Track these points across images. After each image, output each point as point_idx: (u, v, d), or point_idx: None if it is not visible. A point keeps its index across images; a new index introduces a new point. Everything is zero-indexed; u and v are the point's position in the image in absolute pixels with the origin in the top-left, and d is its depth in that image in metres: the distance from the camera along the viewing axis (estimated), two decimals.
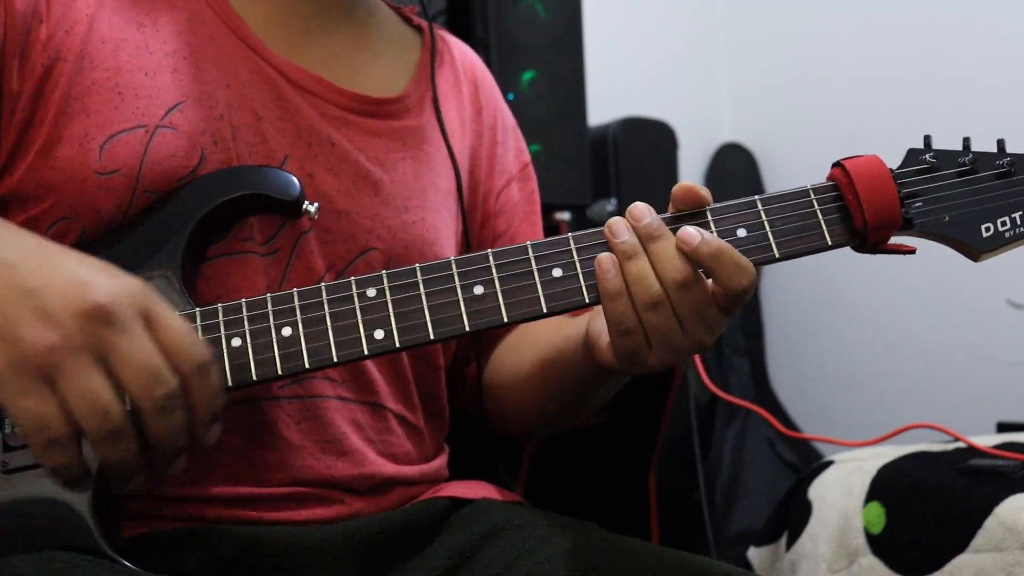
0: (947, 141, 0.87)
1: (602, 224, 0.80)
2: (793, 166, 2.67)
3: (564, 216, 1.91)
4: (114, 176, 0.85)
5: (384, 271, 0.81)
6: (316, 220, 0.90)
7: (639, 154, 2.20)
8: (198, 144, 0.88)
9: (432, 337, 0.79)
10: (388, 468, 0.95)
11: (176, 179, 0.87)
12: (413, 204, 0.99)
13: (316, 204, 0.88)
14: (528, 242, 0.81)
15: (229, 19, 0.93)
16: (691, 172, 2.70)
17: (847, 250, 0.85)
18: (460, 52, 1.14)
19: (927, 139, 0.86)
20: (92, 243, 0.85)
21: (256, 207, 0.88)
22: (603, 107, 2.21)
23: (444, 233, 1.02)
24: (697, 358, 1.19)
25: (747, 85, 2.84)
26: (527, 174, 1.15)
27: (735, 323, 2.56)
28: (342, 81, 0.97)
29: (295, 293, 0.80)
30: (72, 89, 0.85)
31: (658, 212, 0.80)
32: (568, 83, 1.91)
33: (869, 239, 0.81)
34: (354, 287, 0.80)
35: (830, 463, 1.49)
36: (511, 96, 1.79)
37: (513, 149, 1.14)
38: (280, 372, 0.79)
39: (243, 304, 0.80)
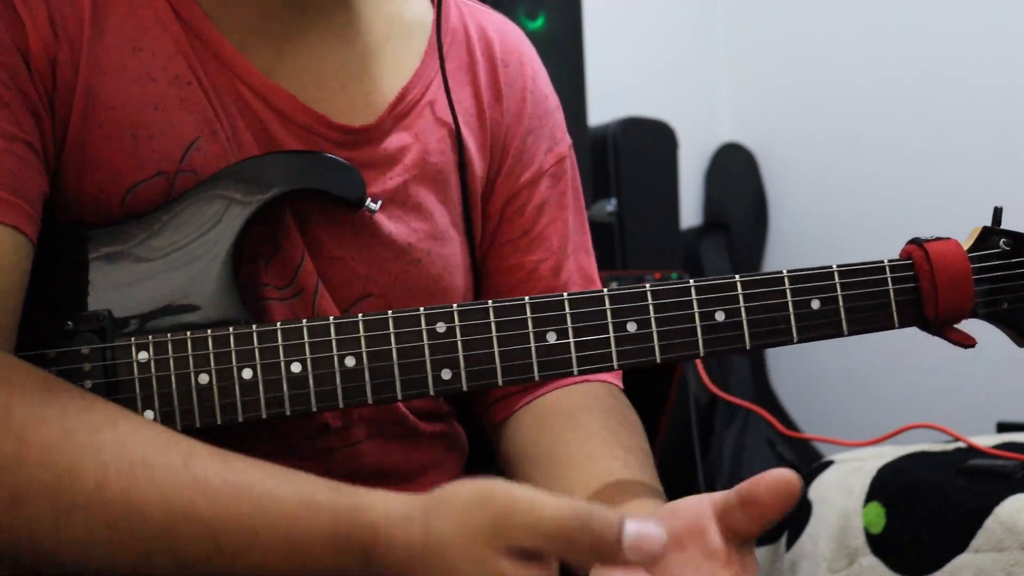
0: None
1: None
2: (793, 166, 2.65)
3: None
4: (142, 210, 0.80)
5: (455, 305, 0.77)
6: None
7: (639, 154, 2.19)
8: None
9: (500, 383, 0.77)
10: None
11: None
12: (418, 236, 0.89)
13: (379, 202, 0.85)
14: (606, 291, 0.78)
15: (205, 33, 0.82)
16: (691, 172, 2.70)
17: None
18: (479, 26, 0.97)
19: (998, 213, 0.82)
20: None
21: (311, 197, 0.83)
22: (603, 107, 2.21)
23: (453, 258, 0.93)
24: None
25: (747, 85, 2.84)
26: (561, 169, 0.99)
27: None
28: (330, 101, 0.87)
29: (360, 321, 0.76)
30: (84, 136, 0.78)
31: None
32: (568, 83, 1.91)
33: (933, 325, 0.81)
34: (423, 321, 0.76)
35: (830, 463, 1.48)
36: None
37: (547, 139, 0.99)
38: (341, 405, 0.75)
39: (304, 327, 0.75)
